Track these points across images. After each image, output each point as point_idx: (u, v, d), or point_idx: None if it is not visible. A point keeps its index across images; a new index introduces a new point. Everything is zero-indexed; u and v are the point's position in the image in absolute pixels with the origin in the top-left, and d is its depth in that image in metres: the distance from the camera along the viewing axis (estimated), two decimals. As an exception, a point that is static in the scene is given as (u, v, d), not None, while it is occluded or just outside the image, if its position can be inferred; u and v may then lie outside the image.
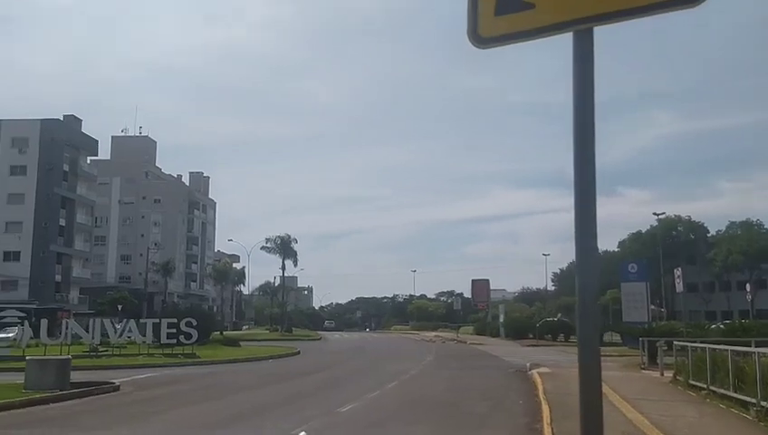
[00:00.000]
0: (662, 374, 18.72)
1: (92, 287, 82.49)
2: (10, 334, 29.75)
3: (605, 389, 14.83)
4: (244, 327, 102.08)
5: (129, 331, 29.11)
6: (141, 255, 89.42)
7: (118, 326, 30.01)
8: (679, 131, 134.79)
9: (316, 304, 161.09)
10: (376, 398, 14.27)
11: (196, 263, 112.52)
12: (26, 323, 27.42)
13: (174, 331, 28.83)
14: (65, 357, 18.00)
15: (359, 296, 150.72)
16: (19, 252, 69.76)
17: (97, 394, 15.65)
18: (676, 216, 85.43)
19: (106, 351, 28.54)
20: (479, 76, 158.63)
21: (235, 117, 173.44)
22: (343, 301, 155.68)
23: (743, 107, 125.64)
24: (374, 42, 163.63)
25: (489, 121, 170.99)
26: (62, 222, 73.08)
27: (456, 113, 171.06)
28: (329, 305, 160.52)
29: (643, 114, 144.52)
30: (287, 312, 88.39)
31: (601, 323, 45.99)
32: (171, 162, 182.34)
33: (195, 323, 28.97)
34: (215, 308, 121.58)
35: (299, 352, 34.73)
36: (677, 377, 16.60)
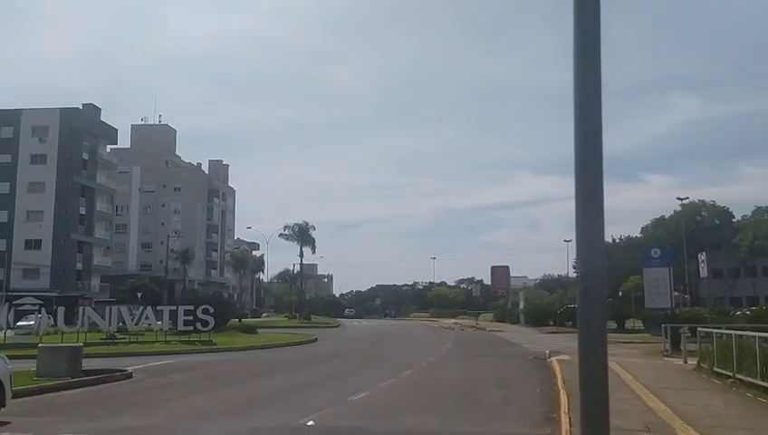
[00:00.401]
0: (685, 362, 18.16)
1: (114, 275, 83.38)
2: (31, 322, 29.98)
3: (627, 377, 14.33)
4: (264, 315, 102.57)
5: (146, 318, 29.16)
6: (162, 243, 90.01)
7: (136, 313, 30.05)
8: (702, 116, 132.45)
9: (336, 292, 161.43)
10: (390, 386, 13.94)
11: (216, 251, 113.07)
12: (44, 310, 27.53)
13: (191, 318, 28.86)
14: (77, 344, 17.93)
15: (378, 284, 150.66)
16: (40, 240, 70.56)
17: (108, 382, 15.53)
18: (700, 201, 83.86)
19: (123, 338, 28.62)
20: (500, 61, 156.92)
21: (254, 105, 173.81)
22: (363, 288, 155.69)
23: (764, 91, 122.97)
24: (394, 27, 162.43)
25: (510, 107, 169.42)
26: (83, 210, 73.74)
27: (477, 99, 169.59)
28: (349, 293, 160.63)
29: (665, 99, 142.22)
30: (306, 299, 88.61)
31: (624, 310, 45.44)
32: (191, 151, 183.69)
33: (211, 310, 28.92)
34: (235, 296, 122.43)
35: (316, 340, 34.59)
36: (702, 364, 16.05)
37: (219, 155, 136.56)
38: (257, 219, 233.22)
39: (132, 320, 28.98)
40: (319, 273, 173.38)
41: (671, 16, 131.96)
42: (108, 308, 29.21)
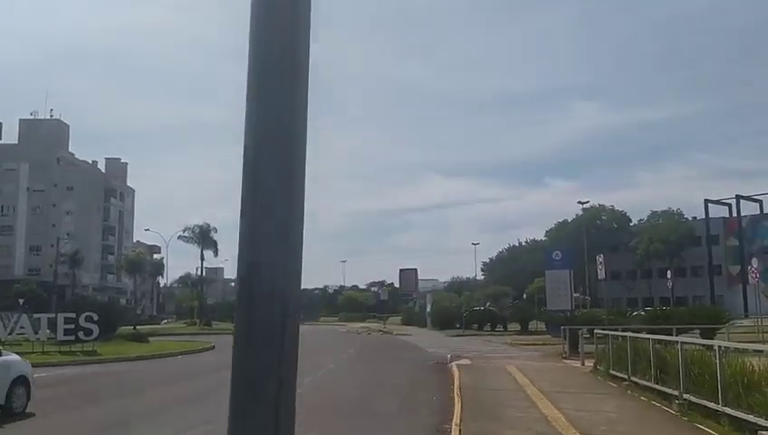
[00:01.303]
0: (583, 364, 18.15)
1: (-6, 280, 77.42)
2: None
3: (524, 381, 13.96)
4: (164, 321, 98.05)
5: (22, 327, 26.55)
6: (52, 245, 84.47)
7: (10, 322, 27.32)
8: (602, 123, 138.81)
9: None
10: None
11: (113, 254, 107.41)
12: None
13: (72, 326, 26.54)
14: None
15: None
16: None
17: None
18: (600, 205, 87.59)
19: (-6, 349, 25.92)
20: (412, 63, 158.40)
21: (158, 102, 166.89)
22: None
23: (660, 99, 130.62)
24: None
25: (421, 109, 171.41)
26: (-40, 210, 67.94)
27: (387, 100, 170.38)
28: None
29: (567, 105, 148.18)
30: (208, 305, 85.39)
31: (528, 312, 46.26)
32: (88, 149, 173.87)
33: (95, 317, 26.66)
34: (133, 301, 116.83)
35: (213, 347, 32.81)
36: (598, 366, 16.01)
37: (120, 154, 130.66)
38: (160, 222, 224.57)
39: (5, 329, 26.29)
40: (226, 276, 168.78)
41: (574, 25, 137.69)
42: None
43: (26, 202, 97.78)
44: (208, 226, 66.40)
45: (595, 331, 17.98)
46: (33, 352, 25.57)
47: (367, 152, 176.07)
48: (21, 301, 51.70)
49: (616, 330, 17.70)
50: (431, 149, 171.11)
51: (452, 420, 9.36)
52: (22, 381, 11.82)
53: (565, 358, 20.67)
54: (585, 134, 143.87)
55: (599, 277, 23.01)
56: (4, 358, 12.00)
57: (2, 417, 10.81)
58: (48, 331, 26.41)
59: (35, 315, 28.17)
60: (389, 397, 12.67)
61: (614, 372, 14.16)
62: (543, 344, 29.71)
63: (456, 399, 11.24)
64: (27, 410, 11.47)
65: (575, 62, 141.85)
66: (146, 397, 14.31)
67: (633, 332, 15.67)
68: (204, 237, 65.36)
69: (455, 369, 16.45)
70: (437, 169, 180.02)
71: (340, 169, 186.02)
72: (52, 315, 27.17)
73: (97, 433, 10.47)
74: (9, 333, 26.44)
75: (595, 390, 13.06)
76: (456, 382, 13.61)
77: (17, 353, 25.06)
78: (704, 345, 11.27)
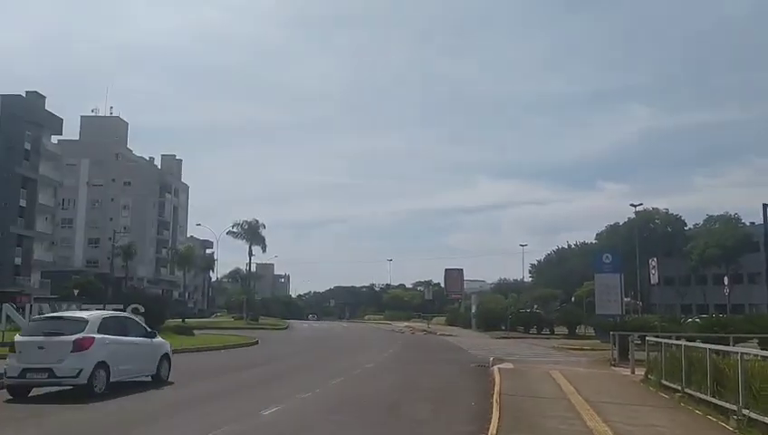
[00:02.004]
0: (633, 372, 17.25)
1: (57, 271, 79.86)
2: None
3: (568, 389, 13.26)
4: (215, 314, 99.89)
5: (69, 317, 27.05)
6: (109, 239, 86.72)
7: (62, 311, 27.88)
8: (657, 126, 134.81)
9: (294, 293, 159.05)
10: (309, 398, 12.58)
11: (167, 248, 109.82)
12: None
13: (120, 317, 26.91)
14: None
15: (337, 285, 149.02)
16: (-24, 233, 66.89)
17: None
18: (653, 208, 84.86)
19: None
20: (464, 65, 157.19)
21: (213, 101, 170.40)
22: (322, 289, 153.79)
23: (716, 103, 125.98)
24: (359, 28, 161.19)
25: (474, 112, 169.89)
26: (23, 203, 70.20)
27: (441, 102, 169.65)
28: (307, 294, 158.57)
29: (622, 108, 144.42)
30: (258, 300, 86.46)
31: (576, 316, 44.96)
32: (145, 146, 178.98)
33: (141, 309, 26.99)
34: (186, 295, 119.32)
35: (257, 342, 32.97)
36: (649, 376, 15.11)
37: (175, 151, 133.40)
38: (213, 217, 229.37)
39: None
40: (276, 273, 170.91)
41: (630, 28, 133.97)
42: (28, 305, 27.04)
43: (86, 196, 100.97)
44: (257, 222, 67.08)
45: (647, 338, 17.04)
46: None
47: (418, 153, 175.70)
48: (76, 291, 53.14)
49: (669, 337, 16.80)
50: (483, 151, 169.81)
51: (488, 429, 8.82)
52: (166, 357, 15.71)
53: (614, 365, 19.75)
54: (639, 137, 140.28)
55: (651, 282, 21.99)
56: (155, 340, 15.61)
57: (156, 382, 14.82)
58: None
59: (83, 306, 28.69)
60: (423, 401, 12.17)
61: (666, 383, 13.32)
62: (591, 350, 28.70)
63: (495, 406, 10.67)
64: (169, 379, 15.30)
65: (629, 64, 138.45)
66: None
67: (687, 340, 14.77)
68: (252, 233, 65.99)
69: (496, 373, 15.82)
70: (488, 170, 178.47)
71: (391, 169, 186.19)
72: (101, 306, 27.57)
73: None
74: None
75: (645, 401, 12.27)
76: (497, 388, 13.01)
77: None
78: (766, 357, 10.40)
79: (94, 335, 13.36)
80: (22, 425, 10.14)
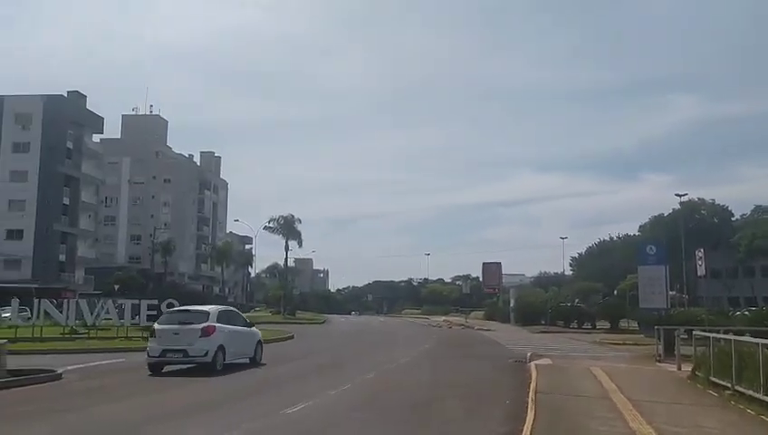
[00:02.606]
0: (679, 368, 16.41)
1: (100, 267, 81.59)
2: (7, 314, 28.05)
3: (610, 386, 12.58)
4: (255, 309, 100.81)
5: (107, 312, 27.38)
6: (150, 235, 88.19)
7: (97, 307, 28.20)
8: (700, 116, 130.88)
9: (332, 287, 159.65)
10: (338, 395, 12.20)
11: (206, 244, 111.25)
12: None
13: (155, 312, 27.07)
14: (-2, 341, 16.04)
15: (375, 280, 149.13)
16: (22, 230, 68.72)
17: (26, 385, 13.74)
18: (699, 199, 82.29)
19: (84, 333, 26.83)
20: (499, 57, 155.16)
21: (250, 99, 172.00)
22: (360, 284, 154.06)
23: (762, 92, 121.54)
24: (392, 22, 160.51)
25: (510, 104, 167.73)
26: (66, 200, 71.83)
27: (475, 95, 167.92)
28: (345, 288, 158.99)
29: (664, 98, 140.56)
30: (296, 294, 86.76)
31: (618, 309, 43.70)
32: (184, 144, 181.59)
33: (176, 304, 27.08)
34: (226, 290, 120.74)
35: (293, 337, 32.84)
36: (696, 373, 14.30)
37: (215, 149, 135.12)
38: (253, 214, 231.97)
39: (92, 314, 27.16)
40: (315, 268, 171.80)
41: (670, 16, 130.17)
42: (66, 301, 27.41)
43: (128, 194, 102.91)
44: (292, 217, 67.25)
45: (693, 332, 16.17)
46: (118, 337, 26.40)
47: (455, 147, 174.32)
48: (116, 287, 54.00)
49: (717, 331, 15.96)
50: (522, 144, 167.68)
51: (521, 431, 8.28)
52: (260, 343, 19.12)
53: (659, 361, 18.89)
54: (683, 127, 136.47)
55: (698, 274, 20.95)
56: (251, 329, 19.01)
57: (253, 363, 18.01)
58: (130, 316, 27.08)
59: (119, 301, 28.98)
60: (455, 399, 11.64)
61: (715, 380, 12.54)
62: (635, 345, 27.73)
63: (531, 405, 10.10)
64: (262, 362, 18.50)
65: (672, 52, 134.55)
66: (199, 387, 13.98)
67: (735, 334, 13.91)
68: (288, 228, 66.17)
69: (533, 369, 15.20)
70: (528, 163, 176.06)
71: (428, 164, 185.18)
72: (136, 301, 27.80)
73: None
74: (96, 317, 27.30)
75: (693, 400, 11.53)
76: (533, 385, 12.42)
77: (103, 338, 25.89)
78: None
79: (215, 324, 16.58)
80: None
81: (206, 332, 16.22)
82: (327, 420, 9.69)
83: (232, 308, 21.49)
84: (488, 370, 16.94)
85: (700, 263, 20.80)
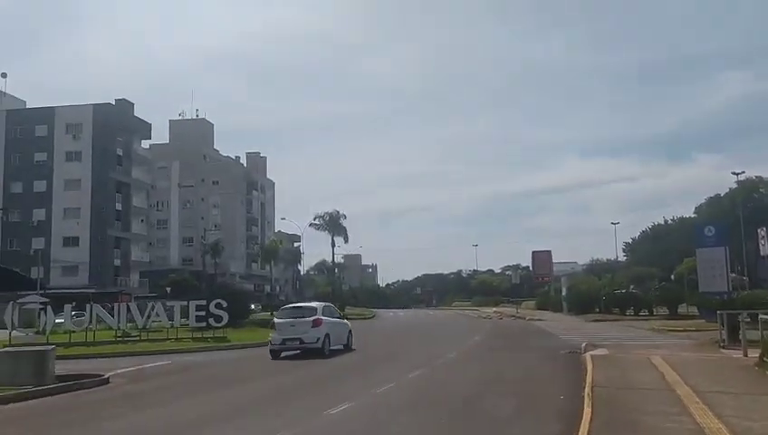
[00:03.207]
0: (746, 355, 15.41)
1: (154, 270, 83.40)
2: (62, 319, 28.53)
3: (673, 377, 11.80)
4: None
5: (157, 314, 27.67)
6: (202, 237, 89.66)
7: (147, 308, 28.53)
8: (752, 91, 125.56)
9: (382, 282, 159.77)
10: (384, 393, 11.79)
11: (256, 244, 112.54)
12: (49, 308, 26.31)
13: (203, 313, 27.29)
14: (45, 348, 16.22)
15: (425, 273, 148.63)
16: (78, 237, 70.66)
17: (75, 390, 13.79)
18: (757, 177, 78.70)
19: (135, 336, 27.18)
20: (539, 42, 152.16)
21: (294, 99, 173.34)
22: (409, 277, 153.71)
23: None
24: (429, 15, 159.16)
25: (554, 89, 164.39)
26: (119, 206, 73.60)
27: (518, 82, 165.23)
28: (395, 282, 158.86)
29: (712, 75, 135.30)
30: (345, 290, 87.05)
31: (677, 295, 42.06)
32: (230, 146, 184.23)
33: (224, 304, 27.24)
34: (278, 288, 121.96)
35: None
36: (765, 359, 13.35)
37: (260, 150, 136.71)
38: (300, 212, 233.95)
39: (142, 316, 27.49)
40: (364, 263, 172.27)
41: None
42: (116, 305, 27.82)
43: (178, 197, 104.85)
44: (338, 213, 67.25)
45: (759, 316, 15.15)
46: (168, 339, 26.61)
47: (499, 136, 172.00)
48: (168, 289, 54.92)
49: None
50: (567, 129, 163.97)
51: (578, 431, 7.68)
52: (350, 332, 22.79)
53: (723, 347, 17.84)
54: (734, 104, 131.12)
55: (761, 254, 19.76)
56: (344, 320, 23.51)
57: (346, 350, 21.49)
58: (179, 318, 27.31)
59: (168, 303, 29.28)
60: (507, 396, 11.07)
61: (788, 368, 11.65)
62: (696, 331, 26.49)
63: (587, 400, 9.45)
64: (352, 347, 22.13)
65: (718, 27, 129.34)
66: (246, 388, 13.73)
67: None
68: (334, 224, 66.21)
69: (588, 361, 14.46)
70: (574, 148, 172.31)
71: (473, 154, 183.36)
72: (185, 303, 28.02)
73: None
74: (146, 320, 27.61)
75: (764, 389, 10.68)
76: (588, 378, 11.73)
77: (154, 340, 26.13)
78: None
79: (322, 317, 20.29)
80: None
81: (316, 323, 19.89)
82: (367, 426, 9.28)
83: (330, 304, 25.02)
84: (541, 363, 16.26)
85: (763, 242, 19.65)
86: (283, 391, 12.86)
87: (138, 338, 26.87)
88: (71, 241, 70.58)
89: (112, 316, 27.31)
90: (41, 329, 26.56)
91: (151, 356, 21.93)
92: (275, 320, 21.21)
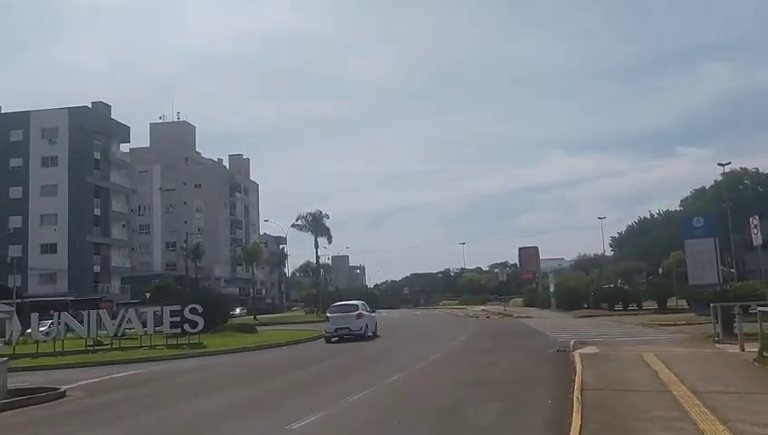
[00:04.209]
0: (742, 349, 14.64)
1: (137, 276, 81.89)
2: (44, 328, 27.34)
3: (668, 376, 10.93)
4: (293, 308, 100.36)
5: (129, 321, 26.53)
6: (185, 241, 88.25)
7: (119, 316, 27.35)
8: (735, 85, 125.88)
9: (370, 283, 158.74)
10: (358, 402, 10.84)
11: (242, 247, 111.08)
12: (15, 317, 25.12)
13: (178, 319, 26.18)
14: (-5, 360, 15.07)
15: (413, 272, 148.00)
16: (56, 244, 69.13)
17: (28, 405, 12.73)
18: (742, 169, 78.69)
19: (106, 345, 26.00)
20: (522, 40, 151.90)
21: (278, 100, 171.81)
22: (398, 277, 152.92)
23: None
24: (413, 13, 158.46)
25: (539, 86, 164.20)
26: (98, 211, 72.08)
27: (502, 79, 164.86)
28: (384, 283, 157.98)
29: (695, 69, 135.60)
30: (332, 291, 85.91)
31: (665, 289, 41.44)
32: (216, 150, 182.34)
33: (200, 309, 26.11)
34: (263, 291, 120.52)
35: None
36: (765, 354, 12.56)
37: (245, 152, 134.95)
38: (287, 215, 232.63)
39: (113, 324, 26.32)
40: (351, 264, 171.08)
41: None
42: (86, 313, 26.60)
43: (160, 201, 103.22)
44: (320, 213, 66.20)
45: (758, 308, 14.35)
46: (141, 347, 25.48)
47: (484, 134, 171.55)
48: (147, 295, 53.62)
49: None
50: (552, 126, 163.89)
51: (566, 441, 6.78)
52: (376, 323, 30.07)
53: (717, 342, 17.06)
54: (717, 98, 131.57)
55: (754, 243, 19.03)
56: (372, 314, 30.50)
57: (374, 336, 28.18)
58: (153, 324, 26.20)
59: (141, 310, 28.18)
60: (490, 401, 10.16)
61: (790, 363, 10.84)
62: (686, 324, 25.82)
63: (576, 406, 8.55)
64: (378, 334, 29.03)
65: (701, 21, 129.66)
66: (214, 399, 12.70)
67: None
68: (317, 225, 65.12)
69: (577, 360, 13.58)
70: (559, 145, 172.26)
71: (459, 154, 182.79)
72: (158, 309, 26.91)
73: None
74: (118, 327, 26.47)
75: (767, 387, 9.84)
76: (578, 380, 10.84)
77: (127, 348, 25.00)
78: None
79: (362, 311, 28.34)
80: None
81: (359, 316, 27.84)
82: (341, 431, 8.36)
83: (364, 302, 31.87)
84: (528, 363, 15.37)
85: (755, 232, 18.87)
86: (247, 403, 11.88)
87: (109, 347, 25.72)
88: (48, 248, 68.98)
89: (82, 324, 26.11)
90: (7, 339, 25.34)
91: (121, 365, 20.87)
92: (329, 314, 29.49)
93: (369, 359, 19.61)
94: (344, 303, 31.49)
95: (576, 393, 9.34)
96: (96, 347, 25.64)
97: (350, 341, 26.19)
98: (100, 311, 27.15)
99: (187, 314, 26.00)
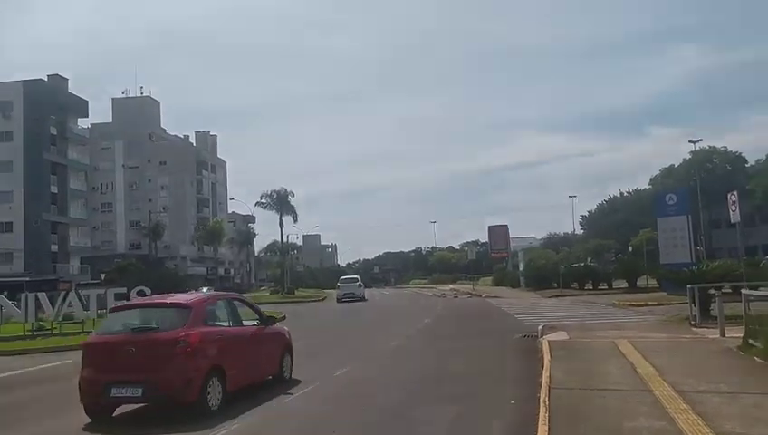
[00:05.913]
0: (723, 335, 13.56)
1: (99, 256, 79.34)
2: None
3: (647, 370, 9.60)
4: (261, 288, 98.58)
5: (70, 305, 24.67)
6: (149, 220, 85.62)
7: (60, 299, 25.49)
8: (703, 66, 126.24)
9: (342, 262, 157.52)
10: (296, 401, 9.45)
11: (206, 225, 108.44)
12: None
13: (124, 302, 24.33)
14: None
15: (386, 251, 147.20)
16: (11, 222, 66.33)
17: None
18: (710, 147, 78.83)
19: (46, 330, 24.12)
20: (494, 19, 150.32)
21: (249, 78, 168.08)
22: (370, 256, 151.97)
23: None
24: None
25: (510, 66, 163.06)
26: (54, 189, 69.21)
27: (475, 59, 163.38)
28: (356, 262, 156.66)
29: (667, 49, 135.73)
30: (301, 271, 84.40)
31: (635, 267, 40.79)
32: (185, 128, 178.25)
33: (148, 291, 24.30)
34: (232, 270, 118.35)
35: (284, 318, 30.06)
36: (750, 341, 11.41)
37: (213, 130, 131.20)
38: (255, 193, 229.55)
39: (54, 307, 24.46)
40: (323, 243, 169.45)
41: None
42: (24, 295, 24.67)
43: (123, 179, 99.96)
44: (285, 190, 64.31)
45: (742, 291, 13.22)
46: (84, 332, 23.61)
47: (456, 114, 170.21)
48: (102, 276, 51.51)
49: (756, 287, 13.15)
50: (524, 106, 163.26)
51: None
52: (364, 290, 50.89)
53: (694, 326, 16.00)
54: (686, 78, 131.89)
55: (732, 220, 18.01)
56: (362, 286, 50.84)
57: (364, 300, 44.51)
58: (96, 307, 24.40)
59: (83, 292, 26.34)
60: (444, 402, 8.80)
61: (781, 353, 9.66)
62: (658, 305, 24.89)
63: (543, 411, 7.21)
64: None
65: (671, 2, 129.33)
66: None
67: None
68: (282, 203, 63.23)
69: (545, 349, 12.29)
70: (531, 124, 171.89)
71: (431, 133, 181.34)
72: (102, 291, 25.08)
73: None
74: (59, 311, 24.65)
75: (762, 384, 8.63)
76: (546, 375, 9.53)
77: (68, 334, 23.17)
78: None
79: (361, 284, 49.89)
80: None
81: (361, 285, 48.63)
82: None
83: (358, 277, 49.87)
84: (491, 352, 14.07)
85: (734, 208, 17.81)
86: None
87: (50, 332, 23.87)
88: (3, 227, 66.20)
89: (18, 307, 24.21)
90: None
91: (58, 353, 19.14)
92: (339, 284, 49.24)
93: (318, 351, 18.20)
94: (349, 277, 51.73)
95: (543, 395, 7.99)
96: (35, 332, 23.76)
97: (354, 302, 43.34)
98: (38, 293, 25.15)
99: (133, 296, 24.18)
